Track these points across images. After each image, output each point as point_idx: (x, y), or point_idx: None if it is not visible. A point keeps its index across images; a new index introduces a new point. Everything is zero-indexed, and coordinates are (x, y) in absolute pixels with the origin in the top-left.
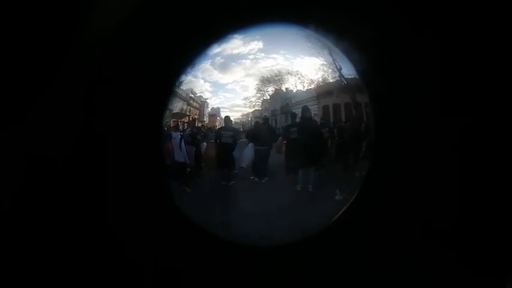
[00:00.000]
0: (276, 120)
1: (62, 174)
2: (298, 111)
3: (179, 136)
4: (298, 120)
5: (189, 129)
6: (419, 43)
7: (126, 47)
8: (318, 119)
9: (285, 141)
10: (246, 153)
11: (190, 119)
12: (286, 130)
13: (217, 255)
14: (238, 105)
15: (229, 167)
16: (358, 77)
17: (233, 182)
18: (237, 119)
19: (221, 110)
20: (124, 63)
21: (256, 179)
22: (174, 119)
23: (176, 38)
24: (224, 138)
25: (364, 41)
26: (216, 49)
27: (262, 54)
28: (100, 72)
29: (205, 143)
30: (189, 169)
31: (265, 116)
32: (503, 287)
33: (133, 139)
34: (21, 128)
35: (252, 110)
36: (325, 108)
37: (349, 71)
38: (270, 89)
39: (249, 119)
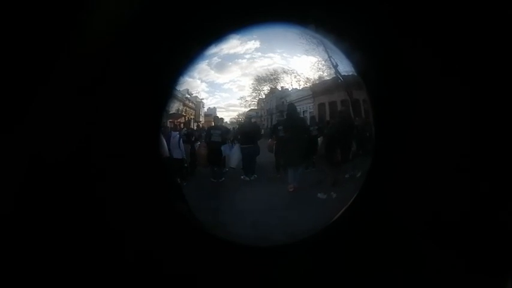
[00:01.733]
0: (271, 119)
1: (61, 174)
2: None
3: (178, 136)
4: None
5: (185, 129)
6: (420, 43)
7: (125, 47)
8: (313, 116)
9: (275, 141)
10: (234, 153)
11: (186, 119)
12: (273, 129)
13: (214, 254)
14: (234, 105)
15: (219, 165)
16: (355, 74)
17: (223, 179)
18: (233, 118)
19: (217, 110)
20: (123, 64)
21: (246, 177)
22: (170, 120)
23: (174, 38)
24: (213, 137)
25: (363, 40)
26: (212, 49)
27: (259, 54)
28: (99, 72)
29: (198, 143)
30: (186, 165)
31: (249, 114)
32: (503, 287)
33: (133, 139)
34: (20, 128)
35: (247, 109)
36: (321, 106)
37: (345, 68)
38: (266, 88)
39: (245, 118)
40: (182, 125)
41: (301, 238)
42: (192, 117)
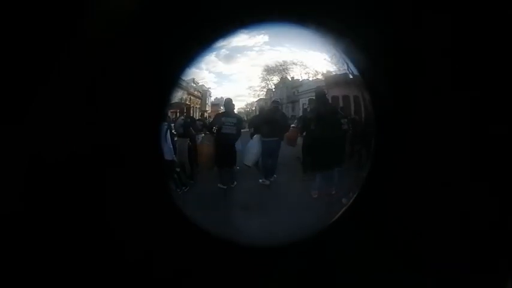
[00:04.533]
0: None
1: (61, 174)
2: (305, 100)
3: (165, 127)
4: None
5: (182, 118)
6: (420, 42)
7: (129, 44)
8: (341, 108)
9: (303, 133)
10: (251, 148)
11: (190, 107)
12: (305, 119)
13: (216, 255)
14: (243, 95)
15: (231, 164)
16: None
17: (235, 183)
18: (240, 108)
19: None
20: (126, 62)
21: (266, 181)
22: (172, 110)
23: (177, 36)
24: (226, 128)
25: (364, 41)
26: (221, 42)
27: (268, 47)
28: (101, 68)
29: (202, 135)
30: (178, 169)
31: (275, 99)
32: (503, 287)
33: (134, 136)
34: (20, 128)
35: (256, 99)
36: (334, 99)
37: (353, 68)
38: (275, 78)
39: (253, 108)
40: (177, 114)
41: (301, 238)
42: (198, 106)
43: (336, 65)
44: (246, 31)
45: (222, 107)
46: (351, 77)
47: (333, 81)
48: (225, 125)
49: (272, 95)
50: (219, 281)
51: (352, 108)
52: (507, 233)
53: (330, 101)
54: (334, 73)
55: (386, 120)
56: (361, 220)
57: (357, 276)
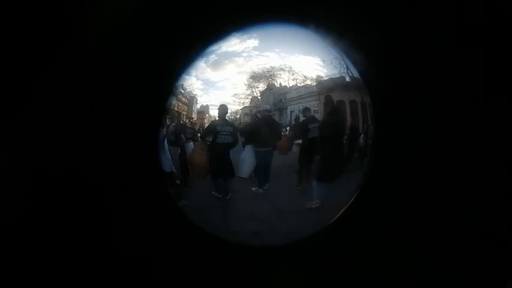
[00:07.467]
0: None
1: (60, 174)
2: (294, 107)
3: (162, 135)
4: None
5: (173, 124)
6: (420, 43)
7: (125, 48)
8: (319, 116)
9: (298, 141)
10: (246, 159)
11: (176, 114)
12: (304, 126)
13: (216, 255)
14: (227, 103)
15: (227, 176)
16: (358, 77)
17: (230, 195)
18: (225, 116)
19: (210, 107)
20: (123, 65)
21: (259, 189)
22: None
23: (174, 38)
24: (221, 138)
25: (364, 41)
26: (211, 48)
27: (256, 52)
28: (98, 73)
29: (191, 143)
30: (178, 181)
31: (266, 108)
32: (503, 287)
33: (131, 142)
34: (20, 131)
35: (241, 107)
36: (328, 105)
37: (350, 70)
38: (262, 85)
39: (237, 116)
40: (169, 120)
41: (301, 238)
42: (185, 113)
43: (328, 69)
44: (240, 33)
45: (207, 115)
46: (348, 80)
47: (325, 86)
48: (220, 133)
49: (258, 102)
50: (219, 281)
51: (349, 112)
52: (507, 232)
53: (319, 108)
54: (326, 78)
55: (386, 120)
56: (362, 220)
57: (357, 276)
